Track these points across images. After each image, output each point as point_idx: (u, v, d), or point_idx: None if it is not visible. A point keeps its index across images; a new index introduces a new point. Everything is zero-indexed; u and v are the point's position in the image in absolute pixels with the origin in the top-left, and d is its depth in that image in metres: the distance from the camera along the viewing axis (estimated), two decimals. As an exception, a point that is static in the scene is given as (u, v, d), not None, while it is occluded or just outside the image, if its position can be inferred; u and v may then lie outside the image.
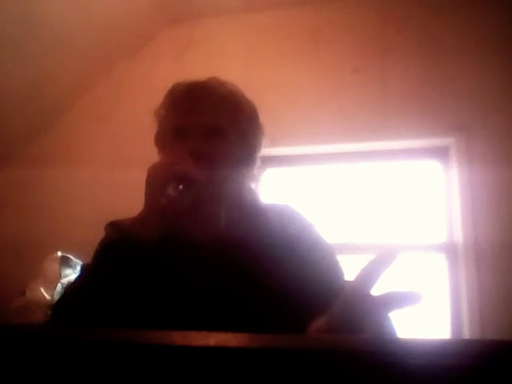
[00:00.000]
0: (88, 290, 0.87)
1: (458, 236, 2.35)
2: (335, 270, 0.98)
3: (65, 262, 2.15)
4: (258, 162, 1.09)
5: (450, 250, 2.37)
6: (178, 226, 0.94)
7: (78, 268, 2.11)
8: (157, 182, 0.89)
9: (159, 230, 0.89)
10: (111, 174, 2.62)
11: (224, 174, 0.99)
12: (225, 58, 2.67)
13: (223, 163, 0.99)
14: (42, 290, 2.04)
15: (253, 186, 1.12)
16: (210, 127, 1.00)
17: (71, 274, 2.12)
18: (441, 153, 2.52)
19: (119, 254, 0.88)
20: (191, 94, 1.03)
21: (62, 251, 2.18)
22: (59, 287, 2.06)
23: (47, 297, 2.02)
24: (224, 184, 1.00)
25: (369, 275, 0.66)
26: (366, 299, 0.66)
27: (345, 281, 0.94)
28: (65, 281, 2.08)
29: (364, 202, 2.57)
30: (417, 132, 2.48)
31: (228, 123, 1.02)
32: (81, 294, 0.88)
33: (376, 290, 0.67)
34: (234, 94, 1.06)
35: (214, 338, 0.46)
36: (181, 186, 0.89)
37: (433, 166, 2.55)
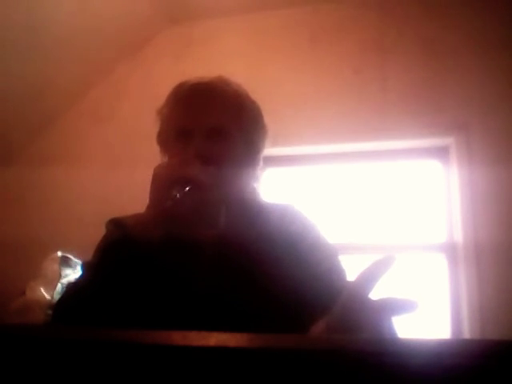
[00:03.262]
0: (90, 290, 0.87)
1: (458, 236, 2.35)
2: (337, 271, 0.98)
3: (65, 262, 2.15)
4: (261, 163, 1.09)
5: (450, 249, 2.38)
6: (182, 227, 0.94)
7: (78, 268, 2.11)
8: (162, 183, 0.89)
9: (163, 231, 0.89)
10: (111, 174, 2.63)
11: (228, 175, 0.99)
12: (225, 58, 2.67)
13: (227, 164, 0.99)
14: (42, 290, 2.04)
15: (255, 185, 1.12)
16: (213, 128, 1.00)
17: (71, 274, 2.12)
18: (441, 152, 2.52)
19: (122, 254, 0.87)
20: (196, 93, 1.02)
21: (62, 251, 2.18)
22: (59, 287, 2.06)
23: (47, 297, 2.02)
24: (228, 186, 1.00)
25: (367, 279, 0.67)
26: (364, 303, 0.66)
27: (347, 281, 0.94)
28: (65, 281, 2.08)
29: (364, 202, 2.57)
30: (417, 132, 2.48)
31: (232, 123, 1.02)
32: (83, 293, 0.88)
33: (375, 294, 0.67)
34: (239, 94, 1.06)
35: (214, 338, 0.46)
36: (187, 188, 0.89)
37: (433, 165, 2.55)
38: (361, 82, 2.57)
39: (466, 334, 2.17)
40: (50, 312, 1.89)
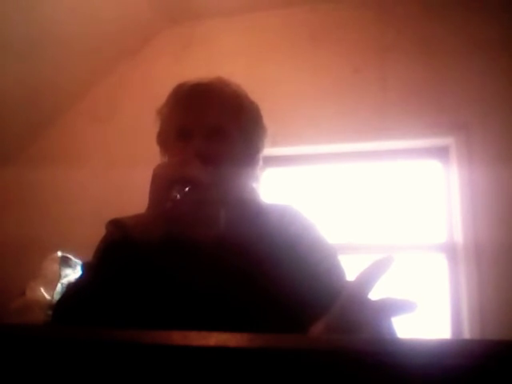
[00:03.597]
0: (90, 290, 0.87)
1: (458, 236, 2.35)
2: (337, 271, 0.98)
3: (65, 262, 2.15)
4: (261, 163, 1.09)
5: (450, 249, 2.38)
6: (181, 227, 0.94)
7: (78, 268, 2.11)
8: (162, 183, 0.89)
9: (163, 232, 0.89)
10: (111, 174, 2.63)
11: (227, 175, 0.99)
12: (225, 58, 2.67)
13: (227, 164, 0.99)
14: (42, 290, 2.04)
15: (254, 185, 1.12)
16: (213, 128, 1.00)
17: (71, 274, 2.12)
18: (441, 152, 2.52)
19: (122, 255, 0.87)
20: (195, 94, 1.03)
21: (62, 251, 2.18)
22: (59, 287, 2.06)
23: (47, 297, 2.02)
24: (227, 186, 1.00)
25: (366, 280, 0.67)
26: (363, 303, 0.66)
27: (346, 281, 0.94)
28: (65, 281, 2.08)
29: (364, 202, 2.57)
30: (417, 132, 2.48)
31: (231, 124, 1.02)
32: (83, 294, 0.88)
33: (374, 294, 0.68)
34: (238, 94, 1.06)
35: (214, 338, 0.46)
36: (187, 188, 0.89)
37: (433, 165, 2.55)
38: (360, 81, 2.57)
39: (466, 334, 2.17)
40: (50, 312, 1.89)
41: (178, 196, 0.88)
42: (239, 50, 2.76)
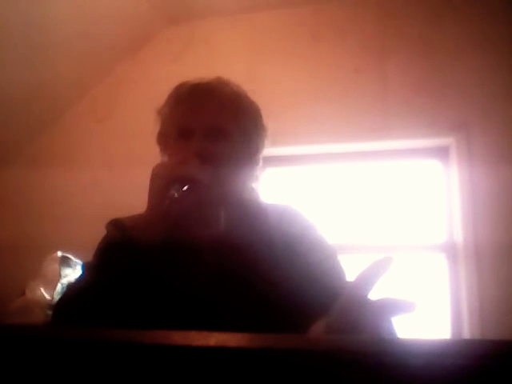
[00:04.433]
0: (90, 290, 0.87)
1: (458, 236, 2.35)
2: (336, 271, 0.97)
3: (65, 262, 2.15)
4: (261, 163, 1.09)
5: (450, 249, 2.38)
6: (180, 227, 0.94)
7: (78, 268, 2.11)
8: (161, 182, 0.89)
9: (162, 231, 0.89)
10: (111, 174, 2.63)
11: (227, 175, 0.99)
12: (225, 58, 2.67)
13: (226, 164, 0.99)
14: (42, 290, 2.04)
15: (254, 185, 1.12)
16: (213, 128, 1.00)
17: (71, 274, 2.12)
18: (441, 152, 2.52)
19: (122, 255, 0.87)
20: (196, 94, 1.03)
21: (62, 251, 2.18)
22: (59, 287, 2.06)
23: (47, 297, 2.01)
24: (227, 185, 1.00)
25: (366, 280, 0.67)
26: (363, 304, 0.66)
27: (346, 282, 0.94)
28: (65, 281, 2.08)
29: (364, 202, 2.57)
30: (417, 132, 2.48)
31: (231, 124, 1.02)
32: (83, 294, 0.88)
33: (374, 295, 0.68)
34: (238, 94, 1.06)
35: (214, 338, 0.46)
36: (185, 188, 0.89)
37: (433, 165, 2.55)
38: (361, 81, 2.58)
39: (466, 334, 2.17)
40: (49, 312, 1.89)
41: (177, 195, 0.88)
42: (239, 49, 2.76)
